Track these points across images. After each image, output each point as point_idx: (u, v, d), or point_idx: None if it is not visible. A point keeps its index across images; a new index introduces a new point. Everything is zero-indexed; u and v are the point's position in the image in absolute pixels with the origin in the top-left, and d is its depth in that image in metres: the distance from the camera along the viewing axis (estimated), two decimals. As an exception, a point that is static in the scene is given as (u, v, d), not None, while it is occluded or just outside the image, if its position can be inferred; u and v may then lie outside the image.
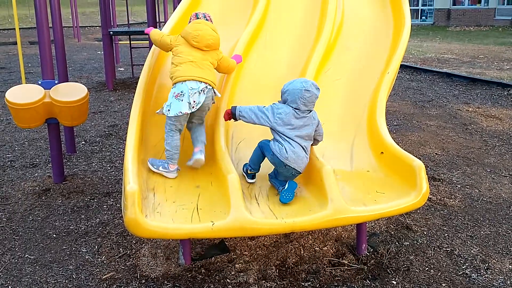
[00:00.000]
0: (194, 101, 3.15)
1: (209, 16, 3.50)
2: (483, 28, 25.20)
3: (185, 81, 3.17)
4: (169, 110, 3.17)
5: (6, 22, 26.97)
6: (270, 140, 3.14)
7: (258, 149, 3.18)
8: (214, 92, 3.33)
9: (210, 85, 3.25)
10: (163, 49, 3.53)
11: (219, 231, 2.72)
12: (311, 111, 3.14)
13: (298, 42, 4.42)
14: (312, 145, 3.23)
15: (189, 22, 3.47)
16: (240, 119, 3.19)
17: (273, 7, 4.66)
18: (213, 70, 3.39)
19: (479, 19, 27.40)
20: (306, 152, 3.09)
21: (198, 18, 3.44)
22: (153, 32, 3.52)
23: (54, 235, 3.58)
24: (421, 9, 30.23)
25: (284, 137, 3.04)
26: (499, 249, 3.40)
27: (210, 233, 2.72)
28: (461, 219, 3.85)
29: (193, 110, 3.17)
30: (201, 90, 3.18)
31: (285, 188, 3.02)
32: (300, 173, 3.10)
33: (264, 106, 3.13)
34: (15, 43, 17.47)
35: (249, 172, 3.24)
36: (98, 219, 3.83)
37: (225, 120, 3.32)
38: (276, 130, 3.07)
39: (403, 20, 4.37)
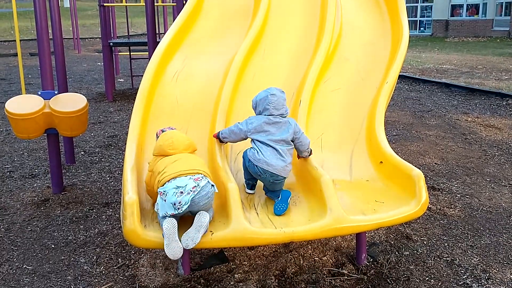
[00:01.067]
0: (180, 202, 2.64)
1: (174, 128, 3.20)
2: (481, 39, 25.33)
3: (172, 179, 2.72)
4: (157, 209, 2.75)
5: (8, 34, 27.11)
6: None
7: (243, 160, 3.20)
8: (212, 185, 2.82)
9: (204, 176, 2.78)
10: (153, 186, 2.89)
11: (219, 241, 2.71)
12: (284, 116, 3.16)
13: (297, 53, 4.44)
14: (303, 156, 3.26)
15: (157, 139, 3.09)
16: (224, 141, 3.30)
17: (272, 17, 4.68)
18: (205, 164, 2.97)
19: (477, 30, 27.56)
20: (282, 156, 3.05)
21: (163, 131, 3.11)
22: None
23: (53, 246, 3.57)
24: (420, 20, 30.40)
25: (258, 142, 3.08)
26: (499, 258, 3.38)
27: (209, 243, 2.71)
28: (461, 228, 3.84)
29: (179, 212, 2.65)
30: (191, 190, 2.67)
31: (279, 199, 3.01)
32: (279, 177, 3.01)
33: (239, 122, 3.21)
34: (16, 55, 17.53)
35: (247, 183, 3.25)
36: (97, 230, 3.82)
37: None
38: (252, 139, 3.13)
39: (401, 30, 4.40)
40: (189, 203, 2.66)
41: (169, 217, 2.66)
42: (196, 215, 2.67)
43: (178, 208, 2.65)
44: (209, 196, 2.75)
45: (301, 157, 3.31)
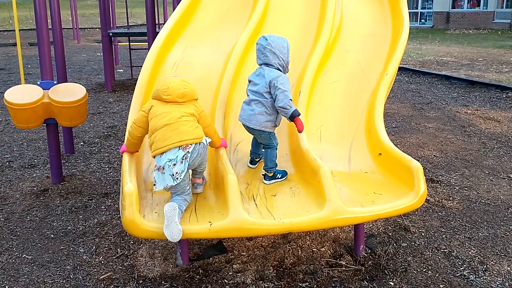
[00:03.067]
0: (177, 172, 2.81)
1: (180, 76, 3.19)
2: (482, 31, 25.26)
3: (163, 153, 2.83)
4: (154, 185, 2.89)
5: (7, 24, 26.99)
6: None
7: None
8: (204, 144, 2.97)
9: (193, 144, 2.87)
10: (144, 128, 2.97)
11: (217, 232, 2.72)
12: (264, 64, 3.21)
13: (297, 44, 4.42)
14: (284, 116, 3.16)
15: None
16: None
17: (272, 8, 4.67)
18: (194, 123, 2.95)
19: (478, 22, 27.46)
20: (250, 105, 3.18)
21: None
22: (128, 132, 3.10)
23: (52, 236, 3.58)
24: (420, 12, 30.28)
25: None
26: (497, 250, 3.40)
27: (207, 234, 2.72)
28: (459, 220, 3.85)
29: (178, 181, 2.82)
30: (183, 159, 2.83)
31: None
32: (250, 128, 3.21)
33: None
34: (15, 45, 17.46)
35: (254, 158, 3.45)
36: (96, 220, 3.83)
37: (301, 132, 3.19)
38: None
39: (401, 22, 4.38)
40: (185, 170, 2.84)
41: (171, 200, 2.83)
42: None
43: (177, 178, 2.82)
44: (200, 153, 2.93)
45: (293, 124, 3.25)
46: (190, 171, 3.05)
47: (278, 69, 3.19)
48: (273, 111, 3.17)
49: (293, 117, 3.10)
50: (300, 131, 3.17)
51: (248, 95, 3.25)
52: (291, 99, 3.11)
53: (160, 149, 2.83)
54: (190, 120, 2.93)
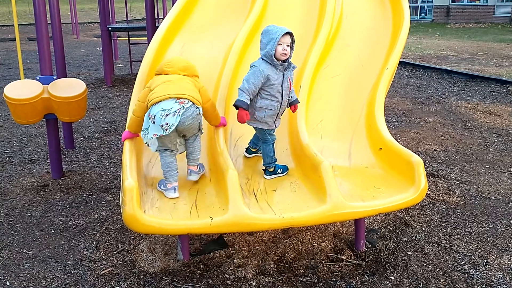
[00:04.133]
0: (167, 123, 2.84)
1: None
2: (482, 25, 25.21)
3: (159, 102, 2.90)
4: (145, 135, 2.97)
5: (6, 19, 26.93)
6: None
7: None
8: (199, 111, 3.01)
9: (189, 101, 2.93)
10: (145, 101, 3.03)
11: (218, 227, 2.72)
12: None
13: (297, 39, 4.37)
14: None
15: None
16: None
17: (272, 3, 4.64)
18: (195, 87, 3.05)
19: (478, 16, 27.40)
20: None
21: None
22: (132, 110, 3.14)
23: (53, 231, 3.58)
24: (421, 6, 30.20)
25: None
26: (497, 245, 3.40)
27: (208, 229, 2.72)
28: (459, 215, 3.85)
29: (166, 133, 2.86)
30: (176, 111, 2.86)
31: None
32: None
33: None
34: (14, 40, 17.41)
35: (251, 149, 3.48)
36: (96, 215, 3.83)
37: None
38: None
39: (402, 16, 4.37)
40: (176, 124, 2.86)
41: (166, 150, 3.04)
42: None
43: (166, 130, 2.86)
44: (194, 117, 2.95)
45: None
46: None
47: (263, 59, 3.14)
48: (251, 104, 3.15)
49: (236, 107, 3.11)
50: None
51: None
52: (243, 90, 3.06)
53: (157, 98, 2.90)
54: (191, 83, 3.07)
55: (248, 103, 3.07)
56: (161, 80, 3.03)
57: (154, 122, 2.88)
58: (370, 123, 3.64)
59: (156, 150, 3.09)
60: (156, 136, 2.90)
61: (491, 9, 27.21)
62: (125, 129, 3.20)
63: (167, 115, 2.85)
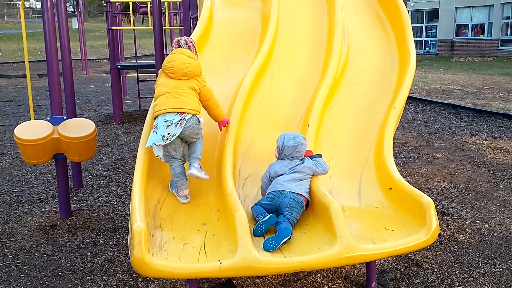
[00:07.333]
0: (169, 133, 3.16)
1: (191, 42, 3.55)
2: (487, 59, 25.39)
3: (162, 114, 3.21)
4: (150, 142, 3.26)
5: (16, 56, 27.47)
6: None
7: None
8: (198, 120, 3.31)
9: (189, 114, 3.22)
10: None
11: (227, 271, 2.68)
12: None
13: (304, 77, 4.45)
14: None
15: (171, 49, 3.57)
16: None
17: (280, 41, 4.71)
18: (193, 97, 3.32)
19: (482, 49, 27.65)
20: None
21: (179, 45, 3.49)
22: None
23: (60, 273, 3.55)
24: (425, 40, 30.56)
25: None
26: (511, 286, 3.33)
27: (217, 273, 2.67)
28: (472, 255, 3.78)
29: (166, 142, 3.18)
30: (177, 123, 3.17)
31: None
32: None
33: None
34: (25, 76, 17.72)
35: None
36: (104, 256, 3.79)
37: None
38: None
39: (408, 55, 4.40)
40: (178, 133, 3.17)
41: (172, 158, 3.28)
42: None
43: (167, 139, 3.16)
44: (194, 126, 3.25)
45: None
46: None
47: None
48: None
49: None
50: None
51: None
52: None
53: (160, 111, 3.20)
54: (190, 93, 3.30)
55: None
56: (162, 90, 3.27)
57: (156, 132, 3.18)
58: (379, 162, 3.63)
59: (165, 161, 3.32)
60: (155, 145, 3.19)
61: (495, 43, 27.47)
62: (133, 167, 3.25)
63: (169, 125, 3.16)
